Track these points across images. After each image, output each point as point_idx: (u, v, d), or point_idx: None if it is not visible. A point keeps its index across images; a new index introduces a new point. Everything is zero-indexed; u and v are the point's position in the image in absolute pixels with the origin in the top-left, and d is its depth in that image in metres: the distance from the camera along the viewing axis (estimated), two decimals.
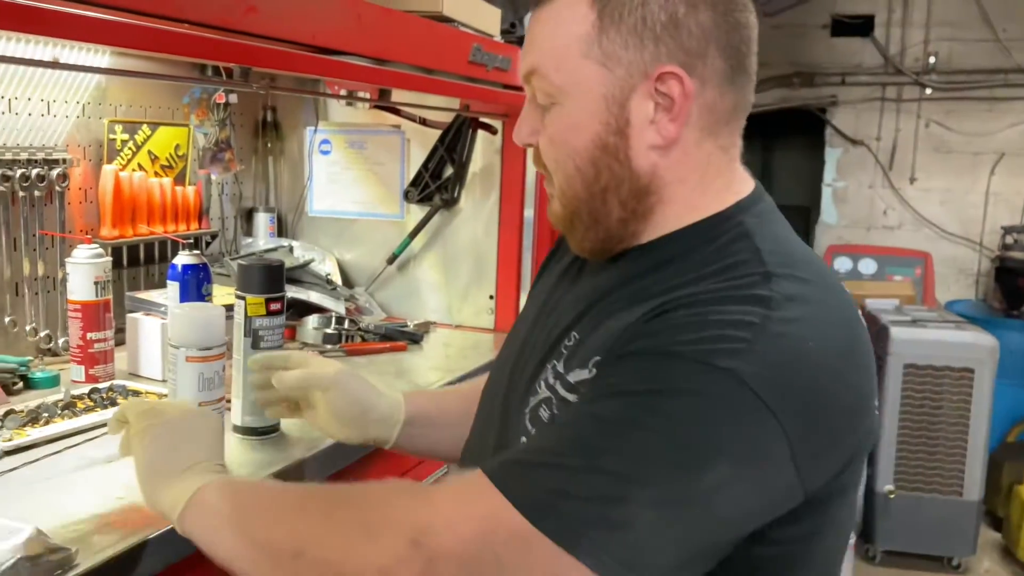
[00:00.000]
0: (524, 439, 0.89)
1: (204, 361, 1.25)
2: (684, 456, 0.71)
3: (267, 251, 2.18)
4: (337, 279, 2.29)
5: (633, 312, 0.81)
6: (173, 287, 1.59)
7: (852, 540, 3.03)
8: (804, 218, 5.68)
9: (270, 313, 1.37)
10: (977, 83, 4.83)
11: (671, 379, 0.73)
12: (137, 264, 1.96)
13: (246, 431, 1.39)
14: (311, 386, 1.16)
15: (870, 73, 5.07)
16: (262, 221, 2.32)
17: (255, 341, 1.37)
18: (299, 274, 2.13)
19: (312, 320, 1.97)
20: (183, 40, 1.19)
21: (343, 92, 2.16)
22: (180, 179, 2.10)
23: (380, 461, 1.51)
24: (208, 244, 2.15)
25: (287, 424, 1.44)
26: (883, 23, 5.02)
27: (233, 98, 2.19)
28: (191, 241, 1.67)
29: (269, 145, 2.38)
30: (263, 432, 1.40)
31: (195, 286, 1.59)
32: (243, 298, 1.37)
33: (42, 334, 1.74)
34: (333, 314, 2.00)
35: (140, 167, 1.98)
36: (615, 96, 0.84)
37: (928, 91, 4.96)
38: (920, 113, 5.02)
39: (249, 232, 2.33)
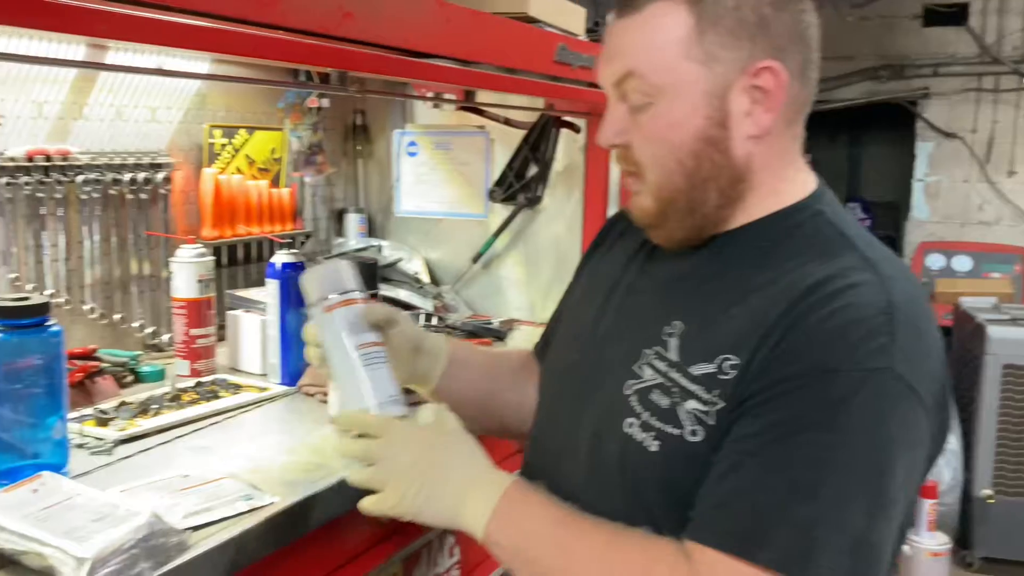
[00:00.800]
0: (633, 420, 0.93)
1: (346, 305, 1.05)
2: (878, 459, 0.81)
3: (358, 251, 2.24)
4: (425, 277, 2.33)
5: (749, 304, 0.89)
6: (272, 284, 1.65)
7: (949, 545, 2.94)
8: (894, 214, 5.53)
9: None
10: None
11: (841, 395, 0.81)
12: (235, 263, 2.04)
13: None
14: (391, 317, 1.13)
15: (965, 63, 4.90)
16: (353, 221, 2.38)
17: None
18: (388, 272, 2.18)
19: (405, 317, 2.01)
20: (283, 46, 1.24)
21: (430, 94, 2.20)
22: (275, 182, 2.17)
23: None
24: (303, 244, 2.22)
25: None
26: (978, 11, 4.84)
27: (326, 102, 2.25)
28: (288, 240, 1.73)
29: (359, 148, 2.44)
30: None
31: (294, 283, 1.65)
32: None
33: (148, 330, 1.83)
34: (421, 311, 2.04)
35: (238, 170, 2.05)
36: (716, 92, 0.91)
37: None
38: (1019, 104, 4.83)
39: (340, 232, 2.39)
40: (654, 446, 0.90)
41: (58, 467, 1.15)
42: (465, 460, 0.98)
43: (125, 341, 1.80)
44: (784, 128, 0.95)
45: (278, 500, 1.13)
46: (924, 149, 5.06)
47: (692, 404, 0.89)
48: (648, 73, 0.92)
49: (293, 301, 1.64)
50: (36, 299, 1.15)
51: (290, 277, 1.65)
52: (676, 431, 0.89)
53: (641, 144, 0.95)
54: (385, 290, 2.06)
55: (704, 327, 0.92)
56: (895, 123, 5.25)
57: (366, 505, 0.98)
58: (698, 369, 0.89)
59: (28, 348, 1.12)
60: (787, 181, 0.97)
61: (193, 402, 1.53)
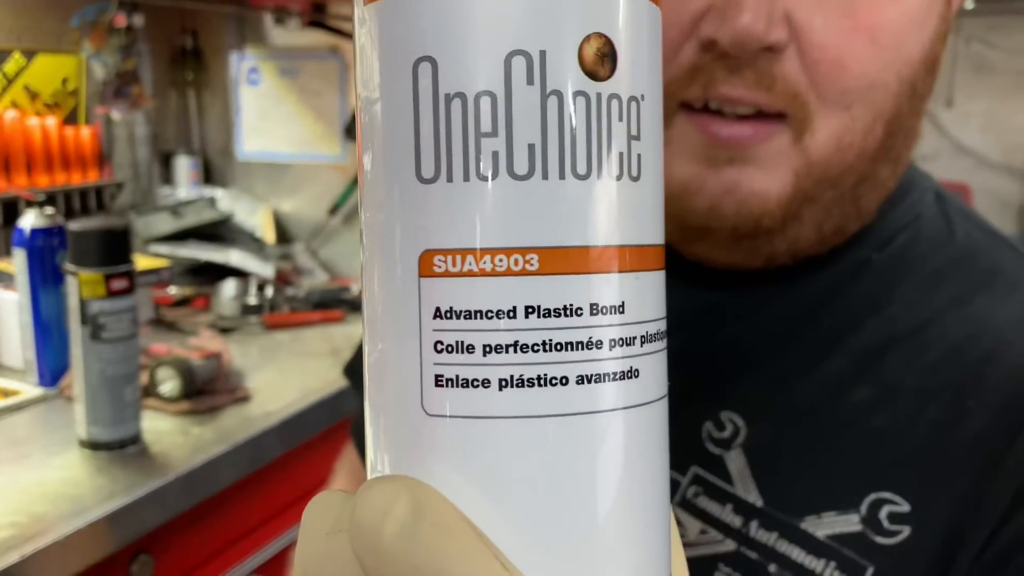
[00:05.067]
0: None
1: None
2: None
3: (183, 204, 1.84)
4: (271, 235, 1.95)
5: (884, 381, 0.46)
6: (20, 255, 1.26)
7: None
8: None
9: (113, 294, 1.04)
10: None
11: None
12: (9, 223, 1.63)
13: (94, 445, 1.07)
14: None
15: None
16: (183, 167, 1.97)
17: (95, 331, 1.04)
18: (221, 230, 1.79)
19: (229, 287, 1.64)
20: None
21: (270, 7, 1.79)
22: (72, 119, 1.75)
23: (267, 481, 1.19)
24: (113, 197, 1.81)
25: (149, 433, 1.12)
26: None
27: (138, 20, 1.82)
28: (42, 199, 1.33)
29: (189, 76, 2.01)
30: (117, 445, 1.07)
31: (49, 255, 1.26)
32: (75, 274, 1.03)
33: None
34: (253, 278, 1.67)
35: (14, 105, 1.63)
36: None
37: (969, 4, 4.47)
38: (959, 27, 4.54)
39: (168, 180, 1.98)
40: None
41: None
42: None
43: None
44: None
45: None
46: None
47: None
48: None
49: (49, 277, 1.26)
50: None
51: (44, 247, 1.26)
52: None
53: (839, 46, 0.42)
54: (209, 253, 1.68)
55: (796, 430, 0.48)
56: None
57: None
58: (821, 524, 0.45)
59: None
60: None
61: None
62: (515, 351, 0.21)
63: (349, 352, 0.89)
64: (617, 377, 0.22)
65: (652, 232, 0.23)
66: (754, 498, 0.47)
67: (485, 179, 0.20)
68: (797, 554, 0.45)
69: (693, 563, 0.47)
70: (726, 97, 0.43)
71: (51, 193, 1.62)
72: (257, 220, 1.94)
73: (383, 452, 0.22)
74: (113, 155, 1.84)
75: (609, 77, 0.21)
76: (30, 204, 1.31)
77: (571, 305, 0.21)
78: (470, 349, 0.20)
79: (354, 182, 1.96)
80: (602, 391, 0.22)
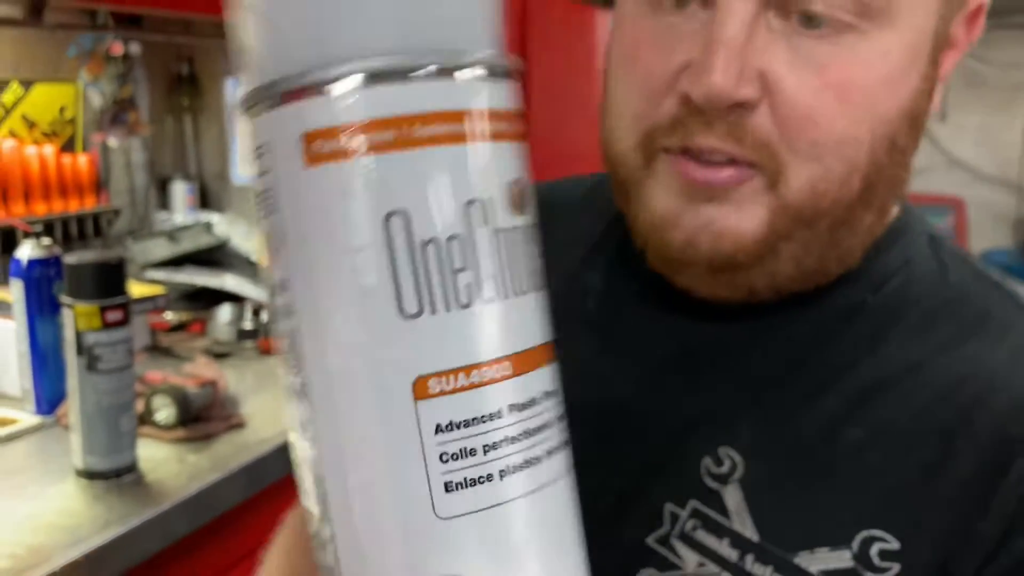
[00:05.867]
0: None
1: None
2: None
3: (179, 229, 1.86)
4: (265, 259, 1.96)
5: (877, 421, 0.48)
6: (17, 286, 1.28)
7: None
8: None
9: (108, 325, 1.05)
10: (1016, 8, 4.37)
11: None
12: (9, 250, 1.64)
13: (90, 475, 1.08)
14: None
15: None
16: (180, 192, 1.99)
17: (90, 362, 1.05)
18: (216, 255, 1.81)
19: (224, 312, 1.65)
20: None
21: None
22: (70, 147, 1.77)
23: (264, 507, 1.20)
24: (110, 223, 1.83)
25: (146, 462, 1.13)
26: None
27: (135, 48, 1.85)
28: (39, 229, 1.35)
29: (186, 103, 2.04)
30: (113, 474, 1.09)
31: (46, 284, 1.27)
32: (71, 307, 1.05)
33: None
34: (249, 303, 1.68)
35: (12, 134, 1.65)
36: (940, 33, 0.48)
37: None
38: None
39: (166, 205, 2.00)
40: None
41: None
42: None
43: None
44: None
45: None
46: None
47: None
48: None
49: (46, 307, 1.27)
50: None
51: (40, 277, 1.27)
52: None
53: (809, 104, 0.44)
54: (204, 278, 1.69)
55: (791, 467, 0.49)
56: None
57: None
58: (814, 560, 0.47)
59: None
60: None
61: None
62: (507, 444, 0.25)
63: None
64: (566, 443, 0.28)
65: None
66: (750, 533, 0.48)
67: (465, 306, 0.24)
68: None
69: None
70: (700, 148, 0.45)
71: (49, 221, 1.64)
72: (253, 244, 1.95)
73: (390, 563, 0.25)
74: (110, 182, 1.86)
75: (525, 211, 0.26)
76: (27, 235, 1.32)
77: (535, 397, 0.26)
78: (472, 452, 0.24)
79: None
80: (562, 455, 0.28)
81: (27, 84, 1.66)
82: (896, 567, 0.45)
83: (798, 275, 0.49)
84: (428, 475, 0.24)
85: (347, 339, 0.25)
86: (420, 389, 0.24)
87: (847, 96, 0.44)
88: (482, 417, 0.24)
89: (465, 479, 0.24)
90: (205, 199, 2.08)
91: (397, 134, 0.23)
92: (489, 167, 0.24)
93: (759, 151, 0.45)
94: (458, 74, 0.23)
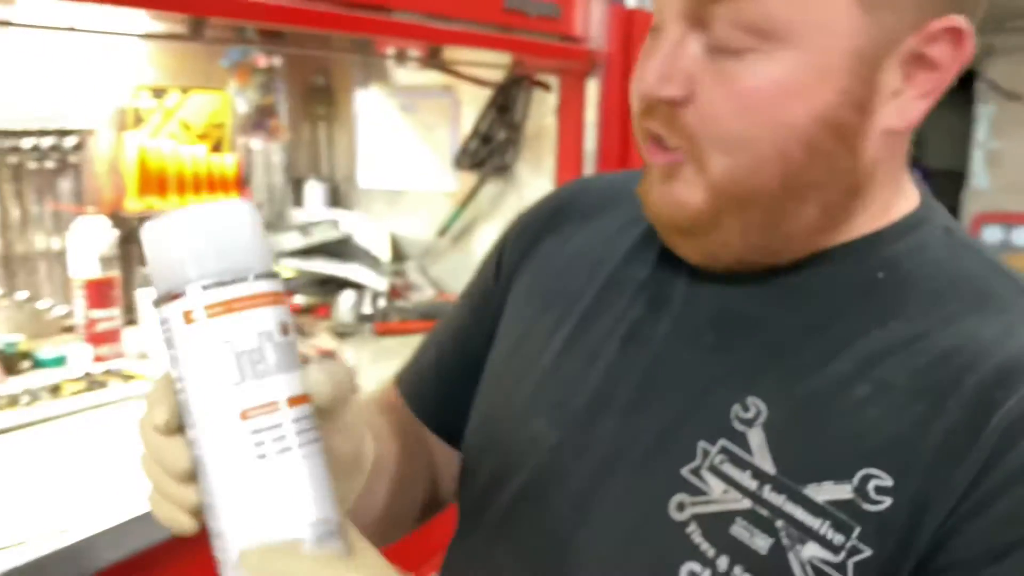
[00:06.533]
0: (698, 569, 0.59)
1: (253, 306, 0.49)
2: None
3: (311, 224, 2.06)
4: (386, 253, 2.14)
5: (882, 379, 0.57)
6: None
7: None
8: (956, 183, 5.12)
9: None
10: None
11: None
12: None
13: None
14: (339, 394, 0.54)
15: None
16: (313, 191, 2.20)
17: None
18: (343, 249, 1.99)
19: (347, 298, 1.83)
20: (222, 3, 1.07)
21: (390, 51, 1.99)
22: (218, 148, 1.99)
23: None
24: None
25: None
26: None
27: (277, 61, 2.07)
28: None
29: (320, 111, 2.24)
30: None
31: None
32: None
33: (59, 311, 1.67)
34: (369, 291, 1.85)
35: (173, 136, 1.88)
36: (868, 54, 0.56)
37: None
38: None
39: (300, 203, 2.21)
40: None
41: None
42: None
43: (35, 323, 1.65)
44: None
45: None
46: (985, 112, 4.65)
47: (812, 550, 0.55)
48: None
49: None
50: None
51: None
52: None
53: (717, 106, 0.57)
54: (330, 267, 1.88)
55: (806, 415, 0.58)
56: (958, 83, 4.84)
57: None
58: (820, 491, 0.56)
59: None
60: (901, 192, 0.64)
61: (76, 393, 1.38)
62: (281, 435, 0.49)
63: None
64: (312, 441, 0.52)
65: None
66: (768, 467, 0.57)
67: (263, 376, 0.50)
68: (800, 514, 0.56)
69: (716, 516, 0.59)
70: (648, 131, 0.61)
71: None
72: (375, 240, 2.13)
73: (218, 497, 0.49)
74: (252, 180, 2.07)
75: (289, 334, 0.51)
76: None
77: (298, 417, 0.50)
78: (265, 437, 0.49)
79: (461, 206, 2.14)
80: (309, 446, 0.51)
81: (184, 91, 1.89)
82: (888, 500, 0.54)
83: (747, 247, 0.61)
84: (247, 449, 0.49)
85: (210, 396, 0.48)
86: (243, 415, 0.48)
87: (747, 103, 0.56)
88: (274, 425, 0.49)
89: (267, 451, 0.49)
90: (335, 198, 2.28)
91: (222, 308, 0.47)
92: (268, 316, 0.48)
93: (686, 140, 0.59)
94: (250, 278, 0.48)
